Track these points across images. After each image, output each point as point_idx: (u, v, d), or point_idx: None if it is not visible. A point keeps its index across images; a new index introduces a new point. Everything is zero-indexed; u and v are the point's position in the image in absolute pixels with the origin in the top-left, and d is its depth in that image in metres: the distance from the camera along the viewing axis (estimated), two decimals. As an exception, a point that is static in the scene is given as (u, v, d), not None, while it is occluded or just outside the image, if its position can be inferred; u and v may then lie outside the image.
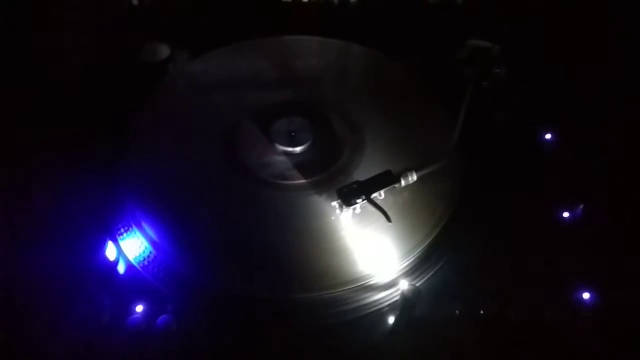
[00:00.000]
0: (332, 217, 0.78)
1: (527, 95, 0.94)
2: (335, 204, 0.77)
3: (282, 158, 0.86)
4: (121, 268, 0.77)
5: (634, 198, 0.83)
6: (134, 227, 0.79)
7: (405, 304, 0.72)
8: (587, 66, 0.99)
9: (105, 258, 0.75)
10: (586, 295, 0.74)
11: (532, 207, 0.82)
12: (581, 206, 0.82)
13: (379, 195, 0.78)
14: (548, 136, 0.91)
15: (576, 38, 1.02)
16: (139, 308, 0.72)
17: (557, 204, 0.82)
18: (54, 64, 1.01)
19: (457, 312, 0.72)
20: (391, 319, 0.72)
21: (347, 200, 0.76)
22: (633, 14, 1.02)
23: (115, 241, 0.78)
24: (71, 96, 0.95)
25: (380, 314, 0.73)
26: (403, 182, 0.78)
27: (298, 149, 0.87)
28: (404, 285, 0.72)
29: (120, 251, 0.78)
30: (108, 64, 1.02)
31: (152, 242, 0.78)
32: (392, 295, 0.74)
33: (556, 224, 0.81)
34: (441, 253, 0.78)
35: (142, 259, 0.77)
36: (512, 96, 0.94)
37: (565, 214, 0.82)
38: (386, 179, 0.78)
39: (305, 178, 0.84)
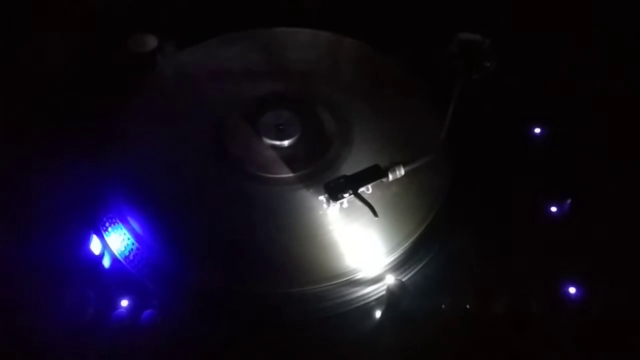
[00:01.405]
0: (320, 212, 0.78)
1: (517, 89, 0.94)
2: (322, 198, 0.77)
3: (270, 151, 0.86)
4: (106, 262, 0.76)
5: (623, 192, 0.83)
6: (118, 221, 0.79)
7: (391, 299, 0.71)
8: (581, 63, 0.99)
9: (90, 252, 0.75)
10: (573, 291, 0.74)
11: (521, 202, 0.82)
12: (569, 201, 0.82)
13: (367, 190, 0.78)
14: (537, 130, 0.91)
15: (572, 33, 1.02)
16: (124, 302, 0.72)
17: (546, 199, 0.82)
18: (42, 58, 1.00)
19: (443, 307, 0.72)
20: (377, 314, 0.72)
21: (334, 194, 0.75)
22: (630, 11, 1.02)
23: (100, 235, 0.78)
24: (55, 88, 0.94)
25: (366, 309, 0.73)
26: (391, 177, 0.78)
27: (286, 143, 0.86)
28: (390, 280, 0.72)
29: (105, 245, 0.77)
30: (95, 55, 1.01)
31: (137, 237, 0.77)
32: (378, 290, 0.74)
33: (544, 219, 0.81)
34: (428, 248, 0.78)
35: (127, 253, 0.77)
36: (502, 90, 0.94)
37: (553, 209, 0.82)
38: (374, 174, 0.78)
39: (293, 172, 0.83)
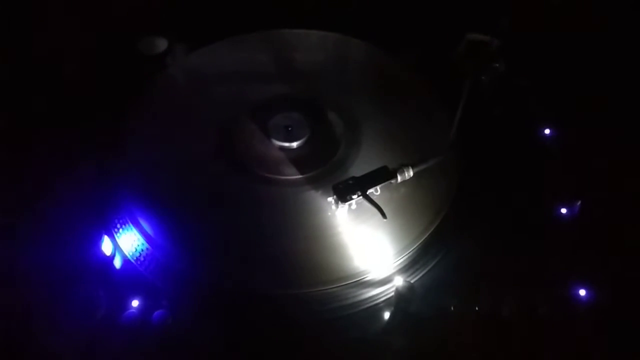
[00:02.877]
0: (328, 213, 0.78)
1: (526, 91, 0.94)
2: (331, 199, 0.77)
3: (279, 153, 0.86)
4: (117, 263, 0.77)
5: (632, 194, 0.82)
6: (129, 222, 0.79)
7: (400, 301, 0.72)
8: (587, 62, 0.98)
9: (102, 253, 0.76)
10: (582, 293, 0.73)
11: (529, 204, 0.82)
12: (579, 203, 0.81)
13: (375, 192, 0.78)
14: (547, 132, 0.90)
15: (577, 33, 1.01)
16: (135, 303, 0.72)
17: (555, 200, 0.82)
18: (52, 60, 1.01)
19: (451, 308, 0.72)
20: (386, 316, 0.72)
21: (343, 196, 0.76)
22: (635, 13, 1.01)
23: (111, 236, 0.78)
24: (68, 91, 0.95)
25: (374, 310, 0.73)
26: (399, 178, 0.78)
27: (294, 145, 0.87)
28: (399, 282, 0.72)
29: (116, 246, 0.78)
30: (106, 57, 1.01)
31: (148, 238, 0.78)
32: (386, 292, 0.74)
33: (553, 220, 0.81)
34: (437, 250, 0.78)
35: (137, 254, 0.77)
36: (511, 91, 0.93)
37: (563, 211, 0.81)
38: (382, 175, 0.78)
39: (302, 173, 0.84)
